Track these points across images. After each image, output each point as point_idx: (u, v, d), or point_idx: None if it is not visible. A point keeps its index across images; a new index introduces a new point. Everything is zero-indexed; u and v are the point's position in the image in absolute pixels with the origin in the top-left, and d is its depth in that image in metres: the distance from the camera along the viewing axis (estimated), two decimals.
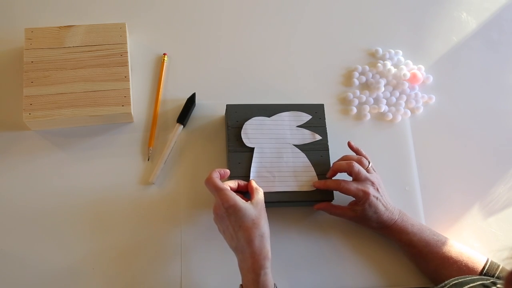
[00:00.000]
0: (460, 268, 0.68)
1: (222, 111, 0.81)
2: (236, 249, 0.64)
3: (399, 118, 0.86)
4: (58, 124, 0.77)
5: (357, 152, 0.76)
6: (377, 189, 0.71)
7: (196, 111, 0.82)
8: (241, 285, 0.63)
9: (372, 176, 0.72)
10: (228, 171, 0.70)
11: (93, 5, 0.88)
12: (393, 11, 0.96)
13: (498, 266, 0.68)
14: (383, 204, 0.70)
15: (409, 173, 0.82)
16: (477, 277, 0.62)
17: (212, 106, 0.82)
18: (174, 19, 0.89)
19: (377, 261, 0.75)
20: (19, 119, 0.75)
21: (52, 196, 0.74)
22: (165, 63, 0.83)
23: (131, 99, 0.78)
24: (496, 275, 0.66)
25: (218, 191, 0.64)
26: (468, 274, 0.66)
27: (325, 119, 0.80)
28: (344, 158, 0.74)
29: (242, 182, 0.71)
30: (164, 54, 0.83)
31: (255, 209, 0.64)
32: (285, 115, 0.79)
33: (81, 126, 0.78)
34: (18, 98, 0.76)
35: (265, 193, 0.73)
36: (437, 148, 0.85)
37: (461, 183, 0.83)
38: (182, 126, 0.80)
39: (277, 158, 0.76)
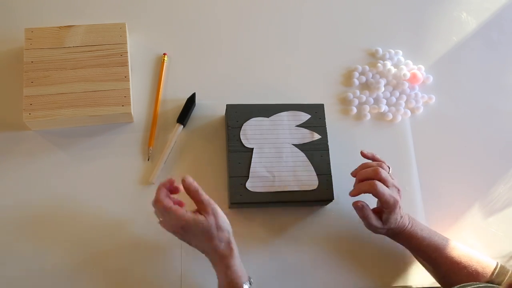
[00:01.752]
0: (470, 273, 0.67)
1: (222, 111, 0.81)
2: (203, 253, 0.66)
3: (399, 118, 0.86)
4: (58, 124, 0.77)
5: (373, 158, 0.73)
6: (400, 196, 0.69)
7: (196, 111, 0.82)
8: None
9: (395, 182, 0.70)
10: (173, 179, 0.64)
11: (93, 5, 0.88)
12: (393, 11, 0.96)
13: (508, 270, 0.67)
14: (400, 211, 0.70)
15: (409, 173, 0.82)
16: (484, 284, 0.61)
17: (212, 106, 0.82)
18: (174, 19, 0.89)
19: (377, 261, 0.75)
20: (19, 119, 0.75)
21: (52, 196, 0.74)
22: (165, 63, 0.83)
23: (131, 99, 0.78)
24: (507, 277, 0.66)
25: (168, 211, 0.62)
26: (478, 279, 0.66)
27: (325, 119, 0.80)
28: (364, 166, 0.71)
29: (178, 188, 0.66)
30: (164, 54, 0.83)
31: (207, 219, 0.63)
32: (284, 115, 0.79)
33: (81, 126, 0.78)
34: (18, 98, 0.76)
35: (265, 193, 0.73)
36: (437, 148, 0.85)
37: (461, 183, 0.83)
38: (182, 126, 0.80)
39: (277, 158, 0.76)
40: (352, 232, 0.77)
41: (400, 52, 0.91)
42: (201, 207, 0.63)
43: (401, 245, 0.73)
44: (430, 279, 0.75)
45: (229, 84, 0.85)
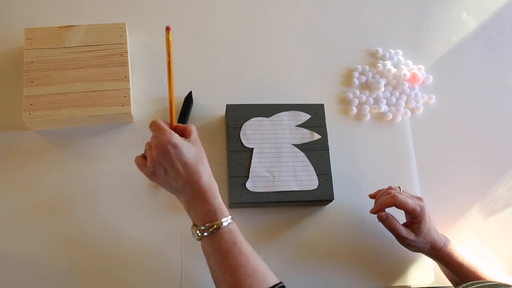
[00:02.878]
0: None
1: (222, 111, 0.81)
2: (183, 187, 0.59)
3: (399, 118, 0.86)
4: (58, 124, 0.77)
5: (378, 193, 0.74)
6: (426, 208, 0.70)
7: (196, 111, 0.82)
8: (194, 224, 0.59)
9: (412, 195, 0.71)
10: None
11: (93, 5, 0.88)
12: (393, 11, 0.96)
13: None
14: (434, 226, 0.70)
15: (409, 173, 0.82)
16: (496, 282, 0.61)
17: (212, 106, 0.82)
18: (174, 19, 0.89)
19: (377, 261, 0.75)
20: (19, 119, 0.75)
21: (52, 196, 0.74)
22: (171, 39, 0.60)
23: (131, 99, 0.78)
24: None
25: (162, 130, 0.58)
26: None
27: (325, 119, 0.80)
28: (377, 196, 0.73)
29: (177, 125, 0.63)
30: (168, 28, 0.58)
31: (193, 146, 0.60)
32: (283, 115, 0.79)
33: (81, 126, 0.78)
34: (18, 98, 0.76)
35: (265, 193, 0.73)
36: (437, 148, 0.85)
37: (461, 183, 0.83)
38: None
39: (277, 158, 0.76)
40: (352, 232, 0.77)
41: (400, 52, 0.91)
42: (182, 130, 0.61)
43: (401, 245, 0.73)
44: (430, 279, 0.75)
45: (229, 84, 0.85)
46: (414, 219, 0.69)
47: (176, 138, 0.58)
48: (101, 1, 0.89)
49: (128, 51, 0.81)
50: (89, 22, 0.81)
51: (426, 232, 0.69)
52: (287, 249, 0.75)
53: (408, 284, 0.75)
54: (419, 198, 0.71)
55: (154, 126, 0.60)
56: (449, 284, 0.73)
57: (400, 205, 0.69)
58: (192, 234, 0.59)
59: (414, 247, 0.70)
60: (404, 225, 0.70)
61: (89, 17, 0.85)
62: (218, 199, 0.59)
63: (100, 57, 0.79)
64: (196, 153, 0.60)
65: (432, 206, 0.72)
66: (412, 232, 0.69)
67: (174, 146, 0.58)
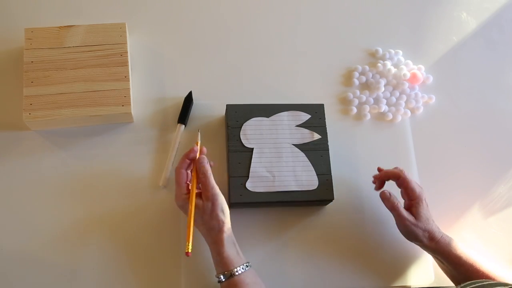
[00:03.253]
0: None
1: (222, 111, 0.81)
2: (200, 232, 0.68)
3: (399, 118, 0.86)
4: (58, 124, 0.77)
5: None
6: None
7: (196, 111, 0.82)
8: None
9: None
10: (204, 149, 0.72)
11: (93, 5, 0.88)
12: (393, 11, 0.96)
13: None
14: (431, 216, 0.71)
15: (409, 173, 0.82)
16: (495, 282, 0.61)
17: (212, 106, 0.82)
18: (174, 19, 0.89)
19: (377, 261, 0.75)
20: (19, 119, 0.75)
21: (52, 196, 0.74)
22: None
23: (131, 99, 0.78)
24: None
25: (176, 184, 0.69)
26: None
27: (325, 119, 0.80)
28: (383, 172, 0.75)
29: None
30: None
31: (203, 204, 0.66)
32: (283, 115, 0.79)
33: (81, 126, 0.78)
34: (18, 98, 0.76)
35: (265, 193, 0.73)
36: (437, 148, 0.85)
37: (461, 183, 0.83)
38: (184, 126, 0.80)
39: (277, 158, 0.76)
40: (352, 232, 0.77)
41: (400, 52, 0.91)
42: (204, 191, 0.67)
43: (401, 245, 0.73)
44: (430, 279, 0.75)
45: (229, 84, 0.85)
46: (413, 201, 0.70)
47: (181, 198, 0.67)
48: (101, 1, 0.89)
49: (128, 51, 0.81)
50: (89, 22, 0.81)
51: (425, 219, 0.70)
52: (287, 249, 0.75)
53: (408, 284, 0.75)
54: (420, 187, 0.72)
55: (175, 174, 0.69)
56: (449, 284, 0.73)
57: (403, 180, 0.71)
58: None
59: (413, 234, 0.70)
60: (404, 207, 0.71)
61: (89, 17, 0.85)
62: (227, 249, 0.65)
63: (100, 57, 0.79)
64: (203, 213, 0.66)
65: (432, 206, 0.72)
66: (412, 215, 0.70)
67: (180, 208, 0.68)
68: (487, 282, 0.60)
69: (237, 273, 0.64)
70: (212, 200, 0.66)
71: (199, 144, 0.71)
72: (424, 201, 0.70)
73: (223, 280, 0.64)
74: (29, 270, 0.70)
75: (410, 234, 0.70)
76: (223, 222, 0.65)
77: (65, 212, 0.73)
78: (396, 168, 0.73)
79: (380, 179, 0.75)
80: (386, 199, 0.71)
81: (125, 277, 0.71)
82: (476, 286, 0.60)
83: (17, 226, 0.72)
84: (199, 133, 0.74)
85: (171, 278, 0.71)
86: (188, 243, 0.63)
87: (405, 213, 0.70)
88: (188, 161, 0.69)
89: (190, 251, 0.63)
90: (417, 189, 0.71)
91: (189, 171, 0.70)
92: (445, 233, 0.71)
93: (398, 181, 0.72)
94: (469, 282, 0.62)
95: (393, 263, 0.75)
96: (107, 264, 0.71)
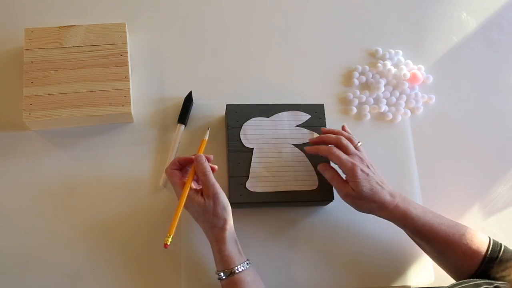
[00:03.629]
0: (464, 252, 0.67)
1: (222, 111, 0.81)
2: (202, 229, 0.69)
3: (399, 118, 0.86)
4: (58, 124, 0.77)
5: (342, 132, 0.76)
6: (367, 166, 0.70)
7: (196, 111, 0.82)
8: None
9: (362, 154, 0.71)
10: (211, 157, 0.70)
11: (93, 5, 0.88)
12: (393, 11, 0.96)
13: (501, 246, 0.67)
14: (377, 182, 0.69)
15: (409, 173, 0.82)
16: (482, 281, 0.61)
17: (212, 106, 0.82)
18: (174, 19, 0.89)
19: (377, 261, 0.75)
20: (19, 119, 0.75)
21: (52, 196, 0.74)
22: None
23: (131, 99, 0.78)
24: (499, 256, 0.66)
25: (172, 184, 0.68)
26: (472, 257, 0.66)
27: (325, 119, 0.80)
28: (334, 132, 0.74)
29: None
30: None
31: (205, 202, 0.66)
32: (284, 115, 0.79)
33: (81, 126, 0.78)
34: (18, 98, 0.76)
35: (265, 193, 0.73)
36: (437, 148, 0.85)
37: (461, 183, 0.83)
38: (184, 126, 0.80)
39: (277, 158, 0.76)
40: (352, 232, 0.77)
41: (400, 52, 0.91)
42: (205, 189, 0.66)
43: (400, 245, 0.73)
44: (430, 279, 0.75)
45: (229, 84, 0.85)
46: (348, 176, 0.69)
47: (182, 197, 0.66)
48: (101, 1, 0.89)
49: (128, 51, 0.81)
50: (89, 22, 0.81)
51: (367, 191, 0.68)
52: (287, 249, 0.75)
53: (408, 284, 0.75)
54: (361, 158, 0.70)
55: (167, 176, 0.69)
56: (450, 282, 0.73)
57: (333, 158, 0.71)
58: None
59: (358, 207, 0.70)
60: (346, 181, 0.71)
61: (89, 17, 0.85)
62: (228, 247, 0.65)
63: (100, 57, 0.79)
64: (205, 211, 0.66)
65: (432, 206, 0.72)
66: (350, 187, 0.69)
67: (185, 204, 0.67)
68: (473, 282, 0.61)
69: (237, 271, 0.64)
70: (214, 198, 0.65)
71: (205, 142, 0.71)
72: (358, 175, 0.68)
73: (224, 277, 0.64)
74: (29, 270, 0.70)
75: (356, 206, 0.70)
76: (225, 220, 0.66)
77: (65, 212, 0.73)
78: (326, 146, 0.73)
79: (309, 151, 0.74)
80: (326, 170, 0.72)
81: (125, 277, 0.71)
82: (462, 287, 0.60)
83: (17, 226, 0.72)
84: (208, 131, 0.73)
85: (171, 278, 0.71)
86: (169, 236, 0.63)
87: (342, 185, 0.70)
88: (178, 164, 0.68)
89: (169, 243, 0.62)
90: (348, 164, 0.68)
91: (186, 168, 0.70)
92: (405, 197, 0.70)
93: (329, 158, 0.72)
94: (454, 283, 0.63)
95: (393, 263, 0.75)
96: (107, 263, 0.71)
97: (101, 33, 0.80)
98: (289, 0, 0.94)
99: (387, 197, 0.68)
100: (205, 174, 0.67)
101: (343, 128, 0.77)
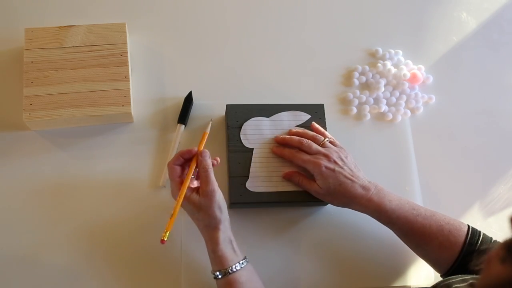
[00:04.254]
0: (441, 243, 0.67)
1: (222, 111, 0.81)
2: (201, 231, 0.68)
3: (399, 118, 0.86)
4: (58, 124, 0.77)
5: (316, 131, 0.77)
6: (335, 161, 0.70)
7: (196, 111, 0.82)
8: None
9: (328, 150, 0.72)
10: (218, 159, 0.70)
11: (93, 5, 0.88)
12: (393, 11, 0.96)
13: (479, 236, 0.67)
14: (346, 177, 0.69)
15: (409, 173, 0.82)
16: (469, 276, 0.61)
17: (212, 106, 0.82)
18: (174, 19, 0.89)
19: (377, 261, 0.75)
20: (19, 119, 0.75)
21: (52, 196, 0.74)
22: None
23: (131, 99, 0.78)
24: (477, 249, 0.65)
25: (170, 179, 0.67)
26: (449, 249, 0.66)
27: (325, 119, 0.80)
28: (299, 134, 0.76)
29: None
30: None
31: (199, 200, 0.65)
32: (284, 115, 0.79)
33: (81, 126, 0.78)
34: (18, 98, 0.76)
35: (265, 193, 0.73)
36: (437, 148, 0.85)
37: (461, 183, 0.83)
38: (184, 126, 0.80)
39: (277, 158, 0.76)
40: (352, 232, 0.77)
41: (400, 52, 0.91)
42: (203, 186, 0.66)
43: (400, 245, 0.73)
44: (429, 280, 0.75)
45: (229, 84, 0.85)
46: (314, 175, 0.71)
47: (177, 194, 0.65)
48: (101, 1, 0.89)
49: (128, 51, 0.81)
50: (89, 22, 0.81)
51: (335, 187, 0.69)
52: (287, 249, 0.75)
53: (408, 284, 0.75)
54: (325, 155, 0.71)
55: (168, 171, 0.67)
56: None
57: (296, 162, 0.73)
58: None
59: (334, 203, 0.72)
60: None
61: (89, 17, 0.85)
62: (222, 247, 0.64)
63: (100, 57, 0.79)
64: (199, 209, 0.65)
65: (432, 206, 0.72)
66: (317, 185, 0.70)
67: (185, 198, 0.65)
68: (460, 278, 0.61)
69: (231, 272, 0.63)
70: (210, 196, 0.64)
71: (206, 135, 0.70)
72: (324, 170, 0.69)
73: (219, 277, 0.64)
74: (28, 270, 0.70)
75: (330, 202, 0.72)
76: (219, 220, 0.65)
77: (65, 212, 0.73)
78: (290, 150, 0.74)
79: (276, 153, 0.76)
80: (291, 177, 0.73)
81: (125, 277, 0.71)
82: (448, 283, 0.60)
83: (16, 226, 0.72)
84: (210, 124, 0.72)
85: (171, 278, 0.71)
86: (166, 232, 0.63)
87: (309, 186, 0.72)
88: (181, 159, 0.67)
89: (166, 239, 0.62)
90: (310, 166, 0.71)
91: (186, 166, 0.69)
92: (380, 188, 0.70)
93: (293, 162, 0.74)
94: (445, 278, 0.62)
95: (393, 263, 0.75)
96: (107, 263, 0.71)
97: (101, 33, 0.80)
98: (289, 0, 0.94)
99: (358, 191, 0.69)
100: (206, 171, 0.66)
101: (311, 126, 0.77)
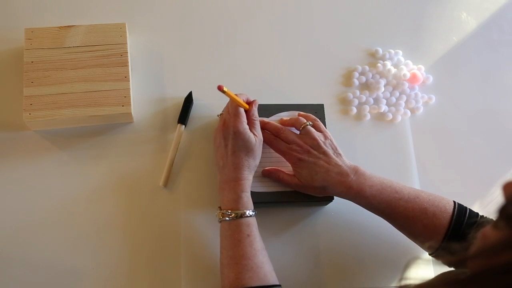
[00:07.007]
0: (425, 226, 0.66)
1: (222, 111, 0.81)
2: (223, 169, 0.68)
3: (399, 118, 0.86)
4: (58, 124, 0.77)
5: (302, 115, 0.77)
6: (308, 151, 0.69)
7: (197, 111, 0.82)
8: (219, 207, 0.67)
9: (303, 137, 0.71)
10: (253, 100, 0.72)
11: (93, 5, 0.88)
12: (393, 11, 0.96)
13: (464, 215, 0.66)
14: (320, 165, 0.68)
15: (409, 173, 0.82)
16: (459, 270, 0.61)
17: (212, 106, 0.82)
18: (174, 19, 0.89)
19: (377, 261, 0.75)
20: (19, 119, 0.75)
21: (52, 196, 0.74)
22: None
23: (131, 99, 0.78)
24: (461, 230, 0.64)
25: (237, 114, 0.68)
26: (433, 232, 0.65)
27: (325, 119, 0.80)
28: (281, 122, 0.76)
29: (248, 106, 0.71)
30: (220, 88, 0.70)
31: (256, 144, 0.68)
32: (284, 115, 0.79)
33: (81, 126, 0.78)
34: (18, 98, 0.76)
35: (265, 193, 0.73)
36: (437, 148, 0.85)
37: (461, 183, 0.83)
38: (184, 126, 0.80)
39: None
40: (352, 232, 0.77)
41: (400, 52, 0.91)
42: (254, 127, 0.69)
43: (401, 245, 0.73)
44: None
45: (229, 84, 0.85)
46: (291, 166, 0.72)
47: (243, 128, 0.67)
48: (101, 1, 0.89)
49: (128, 51, 0.81)
50: (89, 22, 0.81)
51: (311, 178, 0.69)
52: (287, 249, 0.75)
53: (408, 284, 0.75)
54: (298, 145, 0.70)
55: (233, 109, 0.69)
56: None
57: (275, 150, 0.73)
58: (216, 214, 0.67)
59: (315, 193, 0.71)
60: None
61: (89, 17, 0.85)
62: (247, 194, 0.66)
63: (100, 57, 0.79)
64: (251, 149, 0.67)
65: None
66: (296, 179, 0.71)
67: (236, 134, 0.66)
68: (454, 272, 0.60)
69: (248, 215, 0.65)
70: (260, 140, 0.69)
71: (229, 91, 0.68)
72: (296, 161, 0.69)
73: (231, 216, 0.64)
74: (29, 270, 0.70)
75: (312, 194, 0.72)
76: (255, 167, 0.69)
77: (65, 212, 0.73)
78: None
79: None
80: (270, 174, 0.73)
81: (125, 277, 0.71)
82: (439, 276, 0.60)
83: (16, 226, 0.72)
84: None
85: (171, 278, 0.71)
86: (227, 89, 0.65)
87: (288, 179, 0.72)
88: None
89: (225, 89, 0.65)
90: (285, 157, 0.71)
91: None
92: (363, 175, 0.68)
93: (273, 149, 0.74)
94: (441, 273, 0.62)
95: (393, 263, 0.75)
96: (107, 263, 0.71)
97: (101, 33, 0.80)
98: (289, 0, 0.94)
99: (334, 179, 0.68)
100: (257, 124, 0.70)
101: (298, 115, 0.77)
